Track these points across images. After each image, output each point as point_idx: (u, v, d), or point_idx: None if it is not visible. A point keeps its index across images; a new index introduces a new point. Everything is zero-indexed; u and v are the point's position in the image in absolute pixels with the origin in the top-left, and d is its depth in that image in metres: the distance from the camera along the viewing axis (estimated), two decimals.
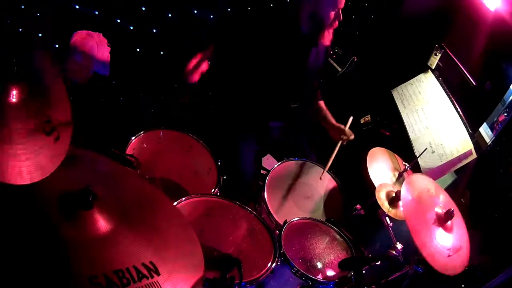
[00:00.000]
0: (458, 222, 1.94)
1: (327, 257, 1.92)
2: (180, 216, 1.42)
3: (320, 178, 2.37)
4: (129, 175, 1.47)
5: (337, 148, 2.44)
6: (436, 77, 3.11)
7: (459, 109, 2.84)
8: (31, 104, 1.08)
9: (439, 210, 1.89)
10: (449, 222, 1.84)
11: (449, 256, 1.76)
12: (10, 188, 1.09)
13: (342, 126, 2.53)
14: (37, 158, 1.07)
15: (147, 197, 1.39)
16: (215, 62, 2.40)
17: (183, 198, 1.82)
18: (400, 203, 2.09)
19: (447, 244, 1.80)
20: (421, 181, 1.96)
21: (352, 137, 2.53)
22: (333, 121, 2.61)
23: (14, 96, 1.04)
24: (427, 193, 1.93)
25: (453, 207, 1.98)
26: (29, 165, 1.04)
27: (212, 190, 2.11)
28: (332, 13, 2.26)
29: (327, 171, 2.45)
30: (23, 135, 1.05)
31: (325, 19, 2.27)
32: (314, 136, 2.70)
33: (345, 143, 2.51)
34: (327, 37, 2.37)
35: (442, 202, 1.96)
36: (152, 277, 1.13)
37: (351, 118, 2.58)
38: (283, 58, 2.37)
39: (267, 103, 2.54)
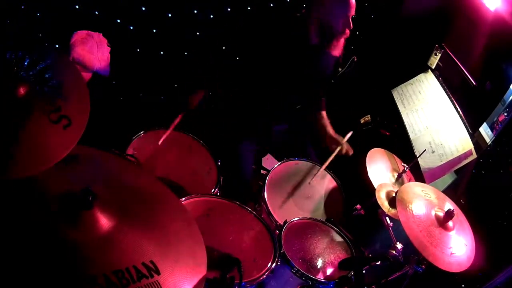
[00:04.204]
0: (459, 219, 1.94)
1: (327, 257, 1.92)
2: (184, 211, 1.41)
3: (309, 183, 2.35)
4: (131, 172, 1.46)
5: (331, 157, 2.44)
6: (436, 77, 3.11)
7: (459, 109, 2.84)
8: (40, 95, 1.13)
9: (439, 212, 1.89)
10: (450, 222, 1.85)
11: (451, 254, 1.77)
12: (10, 188, 1.09)
13: (340, 138, 2.52)
14: (46, 146, 1.11)
15: (150, 194, 1.38)
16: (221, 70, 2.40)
17: (183, 198, 1.82)
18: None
19: (449, 243, 1.80)
20: (412, 192, 1.97)
21: (351, 152, 2.52)
22: (332, 131, 2.61)
23: (21, 91, 1.08)
24: (423, 199, 1.94)
25: (451, 204, 1.99)
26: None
27: (212, 190, 2.11)
28: (341, 22, 2.20)
29: (327, 171, 2.45)
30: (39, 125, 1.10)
31: (333, 28, 2.22)
32: (315, 136, 2.70)
33: (342, 153, 2.50)
34: (337, 47, 2.31)
35: (440, 203, 1.96)
36: (152, 276, 1.13)
37: (350, 133, 2.57)
38: (289, 65, 2.35)
39: (272, 107, 2.53)
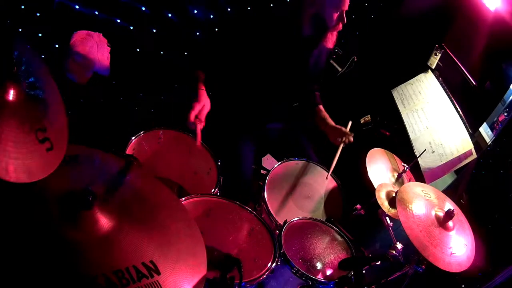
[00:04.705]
0: (459, 219, 1.94)
1: (327, 257, 1.92)
2: (184, 211, 1.41)
3: (326, 178, 2.35)
4: (130, 173, 1.46)
5: (339, 152, 2.41)
6: (436, 77, 3.11)
7: (459, 109, 2.84)
8: (28, 107, 1.07)
9: (439, 212, 1.89)
10: (450, 222, 1.85)
11: (451, 254, 1.77)
12: (10, 188, 1.09)
13: (343, 128, 2.50)
14: (27, 161, 1.05)
15: (150, 194, 1.38)
16: (214, 65, 2.40)
17: (183, 198, 1.82)
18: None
19: (449, 243, 1.80)
20: (412, 192, 1.97)
21: (352, 139, 2.49)
22: (332, 123, 2.59)
23: (11, 94, 1.03)
24: (423, 199, 1.94)
25: (451, 204, 1.99)
26: (17, 164, 1.02)
27: (212, 190, 2.11)
28: (335, 15, 2.21)
29: (327, 171, 2.45)
30: (16, 133, 1.03)
31: (327, 21, 2.22)
32: (314, 136, 2.70)
33: (345, 145, 2.47)
34: (331, 40, 2.31)
35: (440, 203, 1.97)
36: (152, 276, 1.13)
37: (350, 123, 2.56)
38: (282, 61, 2.35)
39: (267, 105, 2.54)
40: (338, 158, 2.41)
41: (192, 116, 2.14)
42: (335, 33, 2.31)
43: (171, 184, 2.05)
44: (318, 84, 2.70)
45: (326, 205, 2.32)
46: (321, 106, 2.71)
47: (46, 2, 2.50)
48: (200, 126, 2.15)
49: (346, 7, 2.20)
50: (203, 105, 2.20)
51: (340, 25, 2.26)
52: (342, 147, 2.45)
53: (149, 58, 2.97)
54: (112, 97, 2.88)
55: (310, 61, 2.47)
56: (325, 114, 2.66)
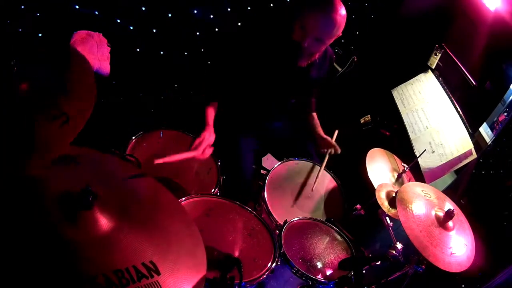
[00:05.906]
0: (459, 219, 1.94)
1: (327, 257, 1.92)
2: (183, 212, 1.41)
3: (312, 190, 2.31)
4: (130, 172, 1.46)
5: (325, 161, 2.43)
6: (436, 77, 3.11)
7: (459, 109, 2.84)
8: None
9: (439, 212, 1.89)
10: (450, 222, 1.85)
11: (451, 254, 1.77)
12: (10, 188, 1.09)
13: (329, 139, 2.52)
14: None
15: (150, 195, 1.38)
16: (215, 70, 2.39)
17: (183, 198, 1.83)
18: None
19: (449, 243, 1.80)
20: (412, 192, 1.97)
21: (339, 151, 2.50)
22: (321, 133, 2.61)
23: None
24: (423, 199, 1.94)
25: (451, 204, 1.99)
26: None
27: (212, 190, 2.11)
28: (308, 40, 2.10)
29: (327, 171, 2.45)
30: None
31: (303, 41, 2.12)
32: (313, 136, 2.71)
33: (330, 155, 2.49)
34: (304, 60, 2.25)
35: (440, 203, 1.97)
36: (152, 277, 1.13)
37: (336, 132, 2.58)
38: (283, 61, 2.34)
39: (267, 105, 2.54)
40: (328, 162, 2.43)
41: (195, 144, 2.22)
42: (310, 53, 2.21)
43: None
44: (317, 90, 2.69)
45: (326, 205, 2.32)
46: (314, 114, 2.72)
47: (46, 2, 2.49)
48: (194, 154, 2.19)
49: (318, 34, 2.09)
50: (203, 138, 2.26)
51: (313, 52, 2.19)
52: (328, 158, 2.46)
53: (149, 58, 2.97)
54: (112, 97, 2.87)
55: (310, 73, 2.44)
56: (316, 122, 2.68)
